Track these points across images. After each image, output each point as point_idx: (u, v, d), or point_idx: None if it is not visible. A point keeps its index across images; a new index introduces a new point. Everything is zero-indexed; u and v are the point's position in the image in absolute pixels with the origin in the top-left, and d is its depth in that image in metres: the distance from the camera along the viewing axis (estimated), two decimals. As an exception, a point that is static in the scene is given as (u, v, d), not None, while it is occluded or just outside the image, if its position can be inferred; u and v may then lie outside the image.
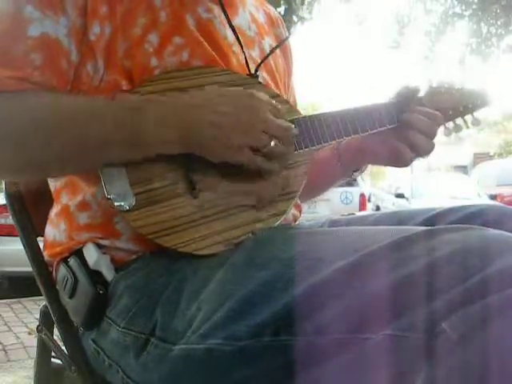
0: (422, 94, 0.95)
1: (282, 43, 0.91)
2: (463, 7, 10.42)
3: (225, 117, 0.69)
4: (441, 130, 0.98)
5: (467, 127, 1.03)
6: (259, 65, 0.83)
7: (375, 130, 0.89)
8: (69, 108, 0.69)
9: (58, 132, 0.67)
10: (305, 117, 0.82)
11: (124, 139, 0.67)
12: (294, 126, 0.76)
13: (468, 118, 1.03)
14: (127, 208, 0.66)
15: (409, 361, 0.47)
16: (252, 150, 0.70)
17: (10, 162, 0.69)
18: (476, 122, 1.03)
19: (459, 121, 1.02)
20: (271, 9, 1.00)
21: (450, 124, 1.01)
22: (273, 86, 0.87)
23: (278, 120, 0.72)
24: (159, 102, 0.69)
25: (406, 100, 0.92)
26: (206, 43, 0.76)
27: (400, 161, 0.91)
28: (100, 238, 0.73)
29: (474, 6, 10.20)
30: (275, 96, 0.82)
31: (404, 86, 0.93)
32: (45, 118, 0.67)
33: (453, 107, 0.99)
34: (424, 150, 0.90)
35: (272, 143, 0.71)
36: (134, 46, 0.71)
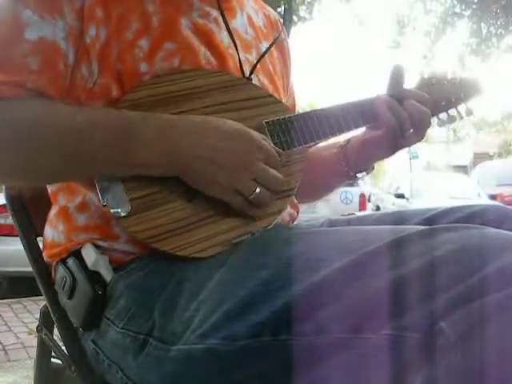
0: (414, 85, 0.95)
1: (274, 43, 0.91)
2: (463, 7, 10.43)
3: (216, 153, 0.68)
4: (435, 121, 0.98)
5: (461, 118, 1.03)
6: (254, 67, 0.82)
7: (368, 125, 0.89)
8: (61, 121, 0.68)
9: (49, 145, 0.67)
10: (298, 115, 0.82)
11: (112, 159, 0.67)
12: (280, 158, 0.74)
13: (461, 108, 1.02)
14: (123, 214, 0.67)
15: (408, 360, 0.47)
16: (238, 193, 0.69)
17: (1, 168, 0.69)
18: (469, 112, 1.02)
19: (452, 112, 1.01)
20: (271, 12, 0.99)
21: (444, 115, 1.01)
22: (271, 88, 0.86)
23: (269, 170, 0.71)
24: (151, 124, 0.68)
25: (398, 93, 0.91)
26: (197, 49, 0.76)
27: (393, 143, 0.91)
28: (98, 240, 0.73)
29: (474, 6, 10.21)
30: (268, 96, 0.82)
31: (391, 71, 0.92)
32: (37, 129, 0.67)
33: (445, 98, 0.98)
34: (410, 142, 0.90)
35: (258, 189, 0.69)
36: (125, 51, 0.71)
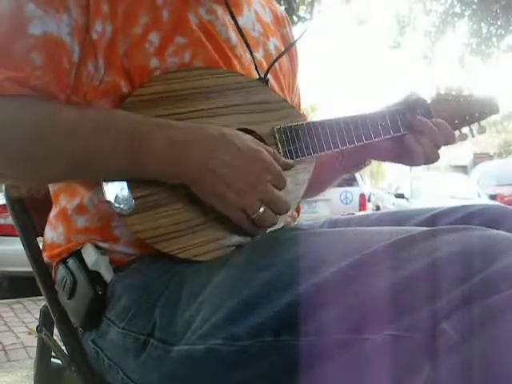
0: (429, 100, 0.95)
1: (289, 48, 0.90)
2: (463, 7, 10.43)
3: (229, 169, 0.67)
4: None
5: (473, 136, 1.02)
6: (268, 70, 0.81)
7: (379, 138, 0.88)
8: (69, 125, 0.66)
9: (57, 148, 0.66)
10: (308, 123, 0.81)
11: (121, 169, 0.66)
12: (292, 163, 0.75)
13: (474, 126, 1.01)
14: (127, 212, 0.66)
15: (410, 361, 0.47)
16: (242, 211, 0.69)
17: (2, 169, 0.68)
18: (481, 130, 1.02)
19: (465, 129, 1.01)
20: (278, 7, 0.98)
21: (456, 132, 0.99)
22: (276, 86, 0.86)
23: (275, 192, 0.70)
24: (163, 136, 0.66)
25: (413, 107, 0.91)
26: (207, 45, 0.75)
27: (408, 159, 0.91)
28: (98, 241, 0.73)
29: (474, 6, 10.21)
30: (281, 100, 0.81)
31: (410, 94, 0.92)
32: (43, 133, 0.66)
33: (459, 116, 0.98)
34: (429, 158, 0.89)
35: (261, 209, 0.68)
36: (133, 46, 0.70)
